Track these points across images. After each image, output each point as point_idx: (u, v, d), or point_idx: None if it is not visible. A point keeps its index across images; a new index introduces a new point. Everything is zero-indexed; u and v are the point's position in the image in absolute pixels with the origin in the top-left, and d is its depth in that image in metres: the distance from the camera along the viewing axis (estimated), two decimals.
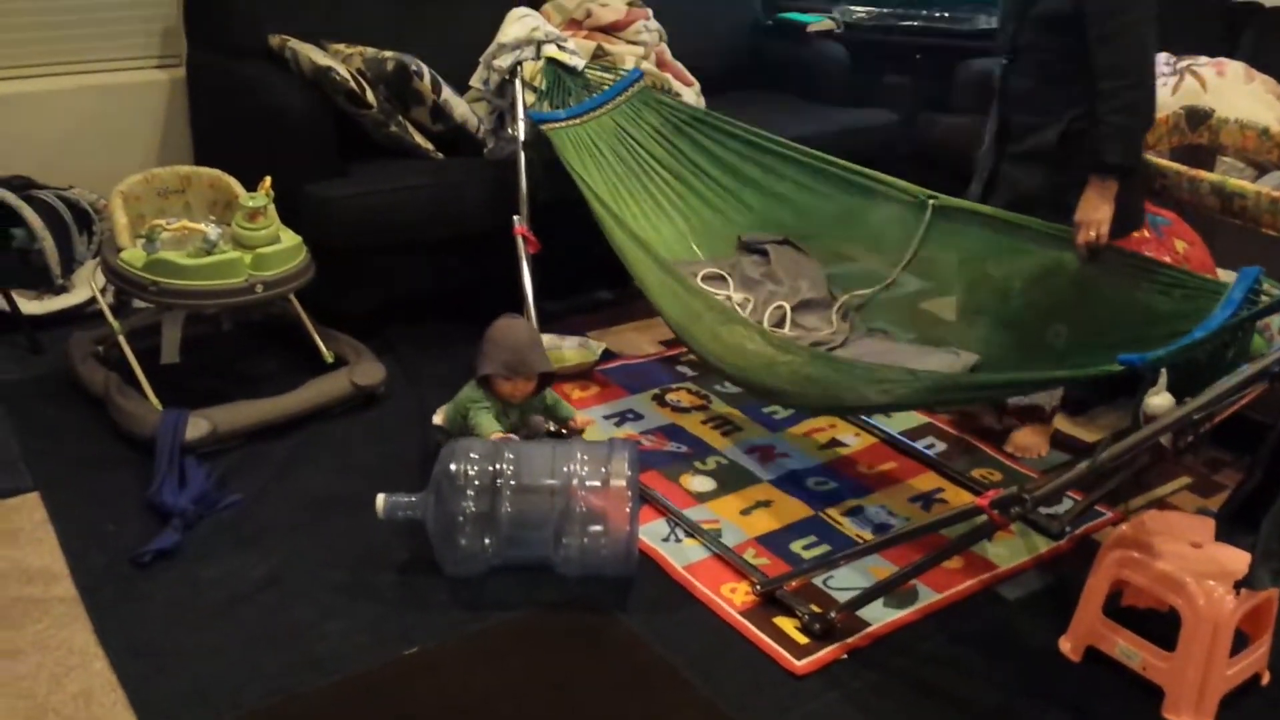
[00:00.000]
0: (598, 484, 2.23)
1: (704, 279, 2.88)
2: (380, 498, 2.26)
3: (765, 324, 2.80)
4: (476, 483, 2.21)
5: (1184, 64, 3.59)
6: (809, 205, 2.97)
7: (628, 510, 2.23)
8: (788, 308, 2.83)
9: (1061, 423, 2.93)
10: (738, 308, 2.81)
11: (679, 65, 3.77)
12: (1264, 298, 2.05)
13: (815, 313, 2.83)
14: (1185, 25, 2.41)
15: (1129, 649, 2.06)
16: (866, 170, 2.88)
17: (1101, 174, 2.42)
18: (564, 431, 2.66)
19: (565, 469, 2.25)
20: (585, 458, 2.27)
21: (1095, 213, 2.42)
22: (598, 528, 2.23)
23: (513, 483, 2.22)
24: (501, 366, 2.52)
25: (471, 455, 2.24)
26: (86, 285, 3.21)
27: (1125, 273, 2.39)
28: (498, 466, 2.23)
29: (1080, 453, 2.76)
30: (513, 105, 3.18)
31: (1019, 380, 2.40)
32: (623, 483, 2.24)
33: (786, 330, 2.80)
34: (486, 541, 2.22)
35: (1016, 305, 2.60)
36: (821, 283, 2.92)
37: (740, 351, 2.48)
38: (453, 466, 2.22)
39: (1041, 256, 2.53)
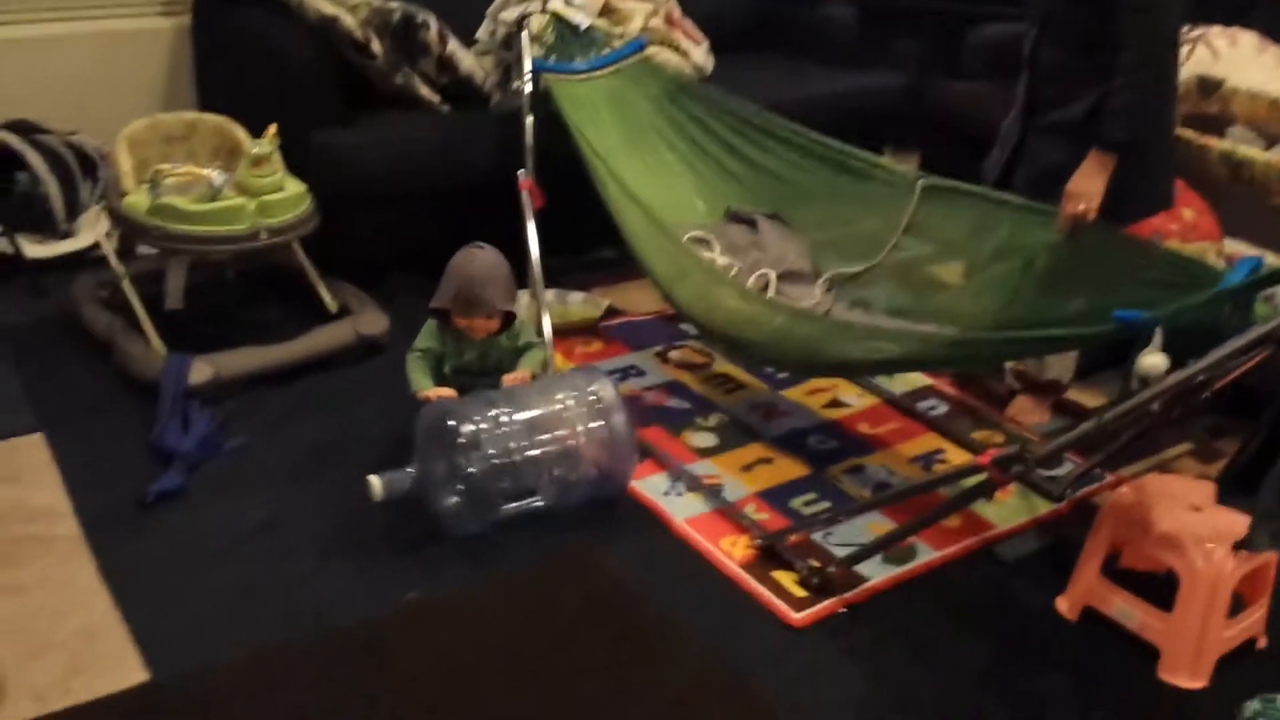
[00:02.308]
0: (595, 420, 2.28)
1: (689, 241, 2.87)
2: (374, 481, 2.18)
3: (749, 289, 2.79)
4: (477, 439, 2.19)
5: (1197, 33, 3.56)
6: (799, 182, 2.95)
7: (626, 434, 2.29)
8: (772, 275, 2.81)
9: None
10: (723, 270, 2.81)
11: (688, 23, 3.74)
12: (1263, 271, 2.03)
13: (799, 284, 2.80)
14: None
15: (1126, 609, 2.07)
16: (856, 151, 2.84)
17: (1102, 147, 2.37)
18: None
19: (557, 403, 2.28)
20: (573, 393, 2.30)
21: (1086, 185, 2.36)
22: (599, 462, 2.27)
23: (513, 439, 2.22)
24: (450, 301, 2.40)
25: (467, 414, 2.22)
26: (90, 230, 3.20)
27: (1123, 251, 2.35)
28: (487, 423, 2.22)
29: (1081, 418, 2.77)
30: (519, 59, 3.15)
31: (1010, 339, 2.37)
32: (619, 416, 2.29)
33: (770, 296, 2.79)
34: (482, 500, 2.21)
35: (1016, 276, 2.57)
36: (806, 257, 2.91)
37: (724, 309, 2.48)
38: (450, 423, 2.20)
39: (1035, 231, 2.49)
